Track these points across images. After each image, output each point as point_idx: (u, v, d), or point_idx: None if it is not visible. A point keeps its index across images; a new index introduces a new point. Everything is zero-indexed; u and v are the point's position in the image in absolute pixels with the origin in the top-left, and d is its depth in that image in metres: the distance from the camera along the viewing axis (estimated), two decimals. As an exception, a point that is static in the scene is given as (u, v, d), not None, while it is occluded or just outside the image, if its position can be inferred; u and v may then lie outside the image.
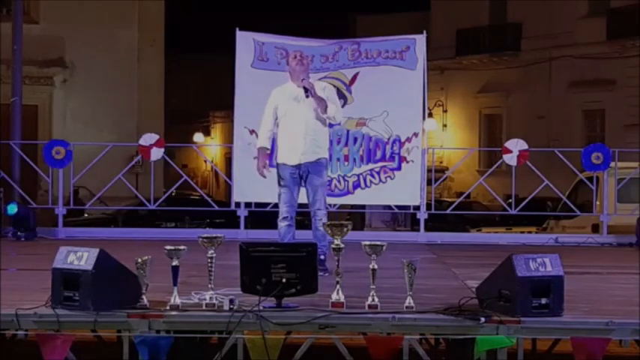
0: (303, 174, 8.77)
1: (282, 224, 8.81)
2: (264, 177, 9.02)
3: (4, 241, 11.90)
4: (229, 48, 13.17)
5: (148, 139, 13.21)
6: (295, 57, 8.76)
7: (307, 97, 8.64)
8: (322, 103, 8.63)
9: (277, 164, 8.94)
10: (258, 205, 12.94)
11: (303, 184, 8.84)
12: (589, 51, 31.62)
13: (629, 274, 9.24)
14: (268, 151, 9.23)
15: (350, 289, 7.02)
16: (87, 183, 17.64)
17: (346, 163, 12.57)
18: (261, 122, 9.03)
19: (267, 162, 9.12)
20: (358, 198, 13.03)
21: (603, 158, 13.03)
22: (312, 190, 8.80)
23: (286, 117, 8.81)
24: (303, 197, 9.05)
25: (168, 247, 6.55)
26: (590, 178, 13.72)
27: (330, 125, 9.25)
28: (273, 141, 9.20)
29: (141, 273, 6.47)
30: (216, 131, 46.25)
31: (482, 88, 36.12)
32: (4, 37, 17.41)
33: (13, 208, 12.56)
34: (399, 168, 12.77)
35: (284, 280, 6.46)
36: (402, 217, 17.96)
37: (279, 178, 8.89)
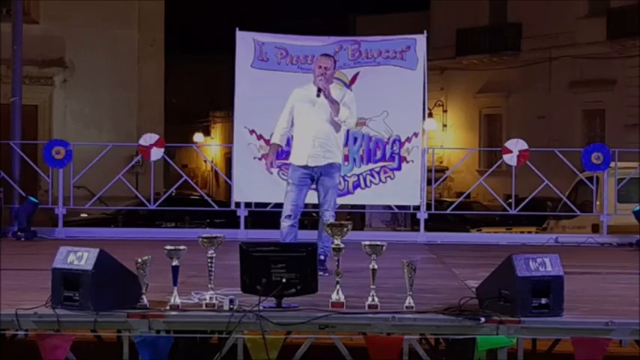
0: (315, 175, 8.81)
1: (284, 223, 8.80)
2: (271, 173, 9.05)
3: (4, 241, 11.88)
4: (229, 48, 13.18)
5: (148, 139, 13.21)
6: (320, 67, 8.75)
7: (318, 96, 8.67)
8: (335, 105, 8.66)
9: (290, 164, 8.99)
10: (258, 205, 12.96)
11: (314, 185, 8.88)
12: (589, 51, 31.62)
13: (629, 274, 9.23)
14: (279, 148, 9.30)
15: (350, 289, 7.02)
16: (87, 183, 17.62)
17: (346, 163, 12.51)
18: (279, 119, 9.07)
19: (275, 158, 9.19)
20: (358, 198, 13.03)
21: (603, 158, 13.03)
22: (323, 191, 8.84)
23: (300, 118, 8.86)
24: (310, 198, 9.09)
25: (168, 247, 6.54)
26: (590, 178, 13.72)
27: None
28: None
29: (141, 273, 6.46)
30: (216, 131, 46.25)
31: (482, 88, 36.11)
32: (4, 37, 17.40)
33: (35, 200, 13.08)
34: (399, 168, 12.78)
35: (284, 280, 6.45)
36: (402, 217, 17.98)
37: (289, 177, 8.94)
